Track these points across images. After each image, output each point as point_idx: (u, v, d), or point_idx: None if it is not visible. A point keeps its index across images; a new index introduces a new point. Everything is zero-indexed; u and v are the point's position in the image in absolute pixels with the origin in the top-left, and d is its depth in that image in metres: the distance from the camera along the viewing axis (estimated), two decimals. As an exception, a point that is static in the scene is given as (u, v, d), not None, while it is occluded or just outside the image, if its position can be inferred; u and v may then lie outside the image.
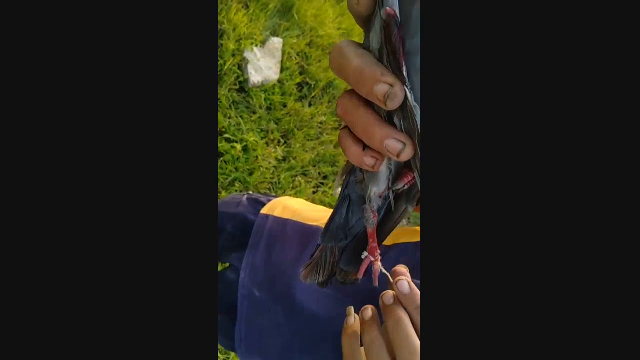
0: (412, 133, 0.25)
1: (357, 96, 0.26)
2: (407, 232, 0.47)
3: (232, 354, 1.19)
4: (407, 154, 0.25)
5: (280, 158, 1.45)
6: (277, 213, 0.55)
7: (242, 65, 1.34)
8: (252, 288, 0.52)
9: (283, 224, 0.54)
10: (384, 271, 0.32)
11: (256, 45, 1.35)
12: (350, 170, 0.34)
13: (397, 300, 0.31)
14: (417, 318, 0.30)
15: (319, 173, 1.51)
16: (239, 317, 0.52)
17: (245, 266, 0.53)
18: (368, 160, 0.27)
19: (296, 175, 1.48)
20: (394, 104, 0.24)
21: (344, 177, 0.35)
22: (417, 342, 0.29)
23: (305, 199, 1.42)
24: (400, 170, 0.30)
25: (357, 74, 0.25)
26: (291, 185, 1.46)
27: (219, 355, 1.15)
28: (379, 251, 0.33)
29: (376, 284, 0.32)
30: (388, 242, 0.48)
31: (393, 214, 0.35)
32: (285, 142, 1.48)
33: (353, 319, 0.34)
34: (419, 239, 0.46)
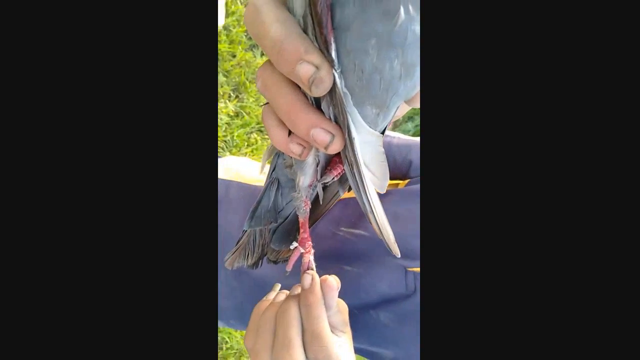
0: (341, 123, 0.22)
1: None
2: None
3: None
4: (335, 147, 0.22)
5: (232, 114, 1.34)
6: (220, 175, 0.51)
7: (180, 10, 1.19)
8: None
9: (226, 186, 0.51)
10: (313, 265, 0.30)
11: (194, -14, 1.19)
12: (278, 151, 0.31)
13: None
14: (306, 313, 0.28)
15: (276, 128, 1.42)
16: None
17: None
18: (294, 148, 0.23)
19: (251, 132, 1.39)
20: (319, 90, 0.20)
21: (270, 158, 0.32)
22: (292, 334, 0.27)
23: (263, 157, 1.34)
24: (330, 159, 0.27)
25: (276, 46, 0.20)
26: (246, 143, 1.36)
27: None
28: (310, 242, 0.31)
29: (308, 279, 0.29)
30: None
31: (323, 200, 0.33)
32: (237, 97, 1.36)
33: (273, 295, 0.33)
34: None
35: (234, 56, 1.35)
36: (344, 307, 0.30)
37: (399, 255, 0.26)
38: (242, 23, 1.35)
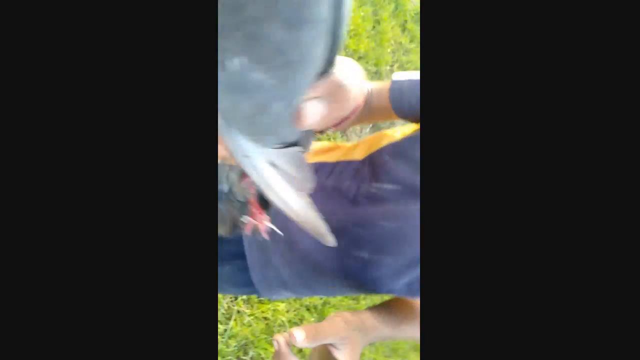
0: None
1: None
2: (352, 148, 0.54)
3: (239, 298, 1.17)
4: None
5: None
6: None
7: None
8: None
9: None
10: (271, 225, 0.35)
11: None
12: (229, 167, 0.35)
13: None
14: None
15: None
16: (250, 264, 0.54)
17: None
18: None
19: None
20: None
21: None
22: None
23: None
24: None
25: None
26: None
27: (224, 298, 1.14)
28: (262, 214, 0.35)
29: (267, 237, 0.36)
30: (332, 158, 0.55)
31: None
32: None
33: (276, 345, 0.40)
34: (358, 157, 0.52)
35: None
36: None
37: (335, 244, 0.29)
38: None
